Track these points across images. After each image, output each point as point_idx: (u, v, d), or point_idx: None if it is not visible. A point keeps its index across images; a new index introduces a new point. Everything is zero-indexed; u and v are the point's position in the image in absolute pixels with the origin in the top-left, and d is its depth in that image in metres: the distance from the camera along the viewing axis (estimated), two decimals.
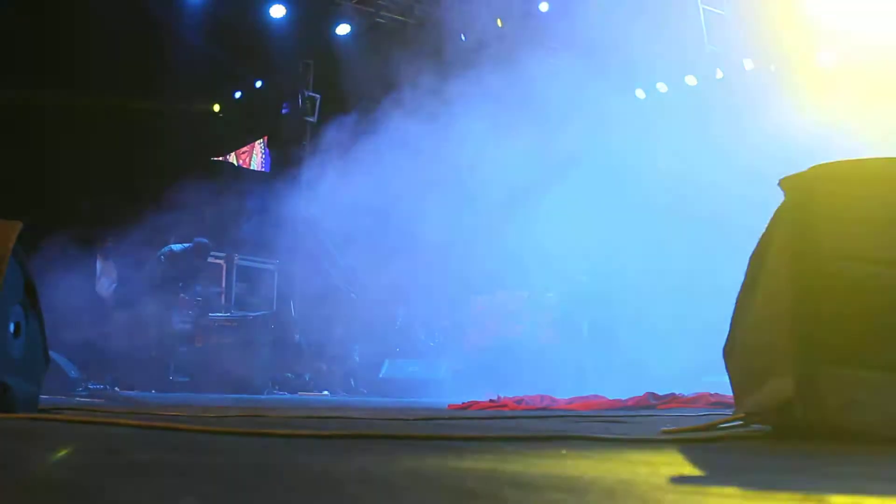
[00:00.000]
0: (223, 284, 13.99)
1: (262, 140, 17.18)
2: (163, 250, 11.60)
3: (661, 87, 15.07)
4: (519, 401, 7.69)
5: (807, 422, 2.90)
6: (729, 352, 3.67)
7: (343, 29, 14.81)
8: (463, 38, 13.21)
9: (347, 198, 12.87)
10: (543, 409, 7.30)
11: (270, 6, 14.17)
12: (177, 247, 11.65)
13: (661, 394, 7.55)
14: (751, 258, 3.43)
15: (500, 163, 11.12)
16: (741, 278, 3.50)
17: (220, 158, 16.45)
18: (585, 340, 12.22)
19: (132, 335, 11.32)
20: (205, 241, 11.90)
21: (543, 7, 14.13)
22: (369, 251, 14.73)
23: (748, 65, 14.21)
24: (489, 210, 11.62)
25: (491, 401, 7.87)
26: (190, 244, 11.78)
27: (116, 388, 10.44)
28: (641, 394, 7.50)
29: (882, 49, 11.27)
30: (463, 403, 7.84)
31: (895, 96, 10.75)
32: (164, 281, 11.41)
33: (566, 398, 7.85)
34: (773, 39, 13.14)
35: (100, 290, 11.90)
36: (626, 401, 7.38)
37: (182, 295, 11.90)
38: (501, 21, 13.97)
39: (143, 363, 11.29)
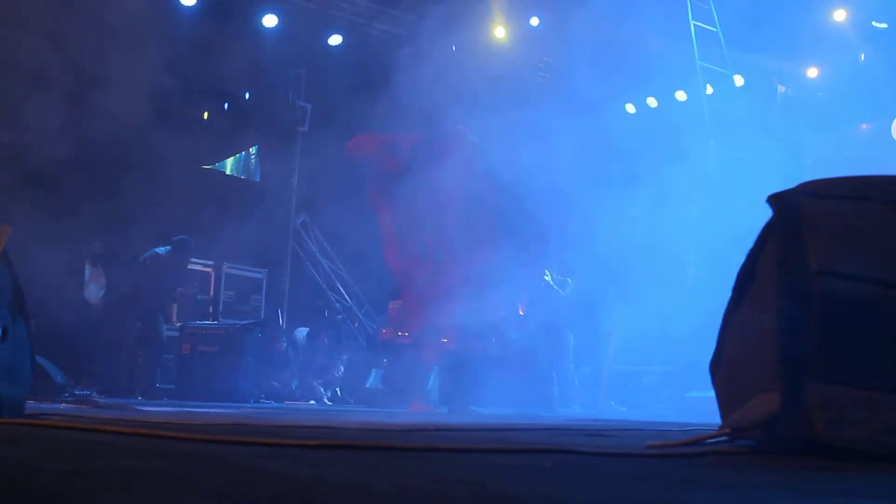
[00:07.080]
0: (211, 292, 13.94)
1: (252, 149, 17.18)
2: (146, 254, 11.53)
3: (652, 101, 15.15)
4: None
5: (792, 437, 2.90)
6: (715, 367, 3.68)
7: (335, 39, 14.83)
8: (454, 48, 13.23)
9: (338, 206, 12.86)
10: None
11: (263, 16, 14.15)
12: (160, 250, 11.60)
13: None
14: (738, 274, 3.44)
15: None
16: (728, 293, 3.51)
17: (211, 166, 16.45)
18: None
19: (120, 341, 11.28)
20: (185, 237, 11.79)
21: (534, 21, 14.18)
22: (357, 261, 14.72)
23: (738, 81, 14.28)
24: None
25: None
26: (170, 246, 11.71)
27: (103, 395, 10.39)
28: None
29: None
30: None
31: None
32: (150, 284, 11.34)
33: None
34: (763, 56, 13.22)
35: (88, 297, 11.85)
36: None
37: (174, 293, 11.87)
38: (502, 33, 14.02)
39: (129, 370, 11.26)
